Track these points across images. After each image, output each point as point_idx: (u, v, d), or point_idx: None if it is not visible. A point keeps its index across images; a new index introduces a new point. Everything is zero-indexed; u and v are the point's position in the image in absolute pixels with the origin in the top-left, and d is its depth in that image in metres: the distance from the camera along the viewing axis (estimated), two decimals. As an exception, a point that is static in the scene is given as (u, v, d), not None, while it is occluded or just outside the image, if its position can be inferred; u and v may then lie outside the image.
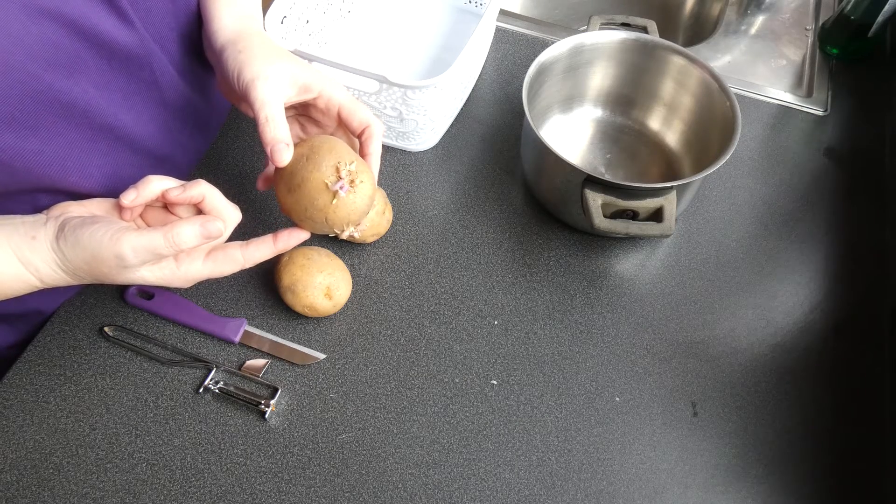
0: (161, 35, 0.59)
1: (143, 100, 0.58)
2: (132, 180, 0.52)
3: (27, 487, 0.57)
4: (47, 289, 0.54)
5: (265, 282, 0.69)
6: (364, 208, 0.55)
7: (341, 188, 0.53)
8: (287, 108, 0.58)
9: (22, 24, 0.45)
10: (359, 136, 0.59)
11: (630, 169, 0.79)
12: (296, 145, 0.55)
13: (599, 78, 0.80)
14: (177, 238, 0.50)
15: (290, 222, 0.58)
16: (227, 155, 0.78)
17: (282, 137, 0.53)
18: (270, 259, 0.70)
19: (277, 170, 0.55)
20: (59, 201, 0.54)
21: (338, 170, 0.54)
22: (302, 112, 0.61)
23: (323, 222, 0.55)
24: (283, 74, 0.55)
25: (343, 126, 0.60)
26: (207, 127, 0.73)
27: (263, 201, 0.74)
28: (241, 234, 0.72)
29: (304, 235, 0.57)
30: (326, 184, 0.53)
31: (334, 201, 0.54)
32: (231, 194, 0.56)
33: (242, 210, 0.56)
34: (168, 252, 0.50)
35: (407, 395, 0.63)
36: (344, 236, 0.57)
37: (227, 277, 0.69)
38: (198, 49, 0.64)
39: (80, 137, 0.53)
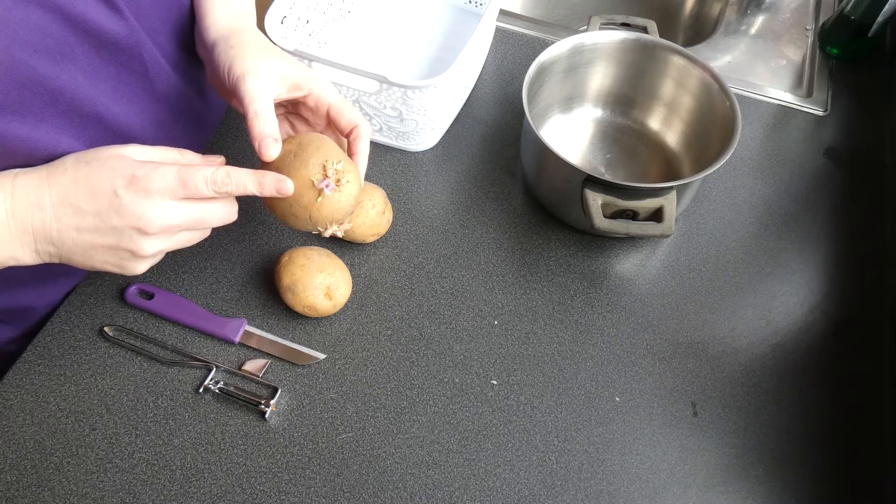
0: (152, 28, 0.58)
1: (133, 91, 0.58)
2: None
3: (27, 487, 0.57)
4: (34, 281, 0.53)
5: (265, 282, 0.69)
6: (348, 208, 0.56)
7: (326, 186, 0.54)
8: (277, 107, 0.58)
9: (6, 9, 0.44)
10: (347, 136, 0.59)
11: (630, 169, 0.79)
12: (284, 142, 0.55)
13: (599, 78, 0.80)
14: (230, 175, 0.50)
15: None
16: (226, 151, 0.78)
17: (270, 133, 0.53)
18: (270, 259, 0.70)
19: (264, 165, 0.55)
20: None
21: (324, 168, 0.54)
22: (292, 111, 0.61)
23: (307, 220, 0.55)
24: (274, 71, 0.55)
25: (332, 126, 0.60)
26: (203, 122, 0.73)
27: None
28: (239, 231, 0.72)
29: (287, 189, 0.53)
30: (312, 181, 0.54)
31: (319, 199, 0.54)
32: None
33: (241, 207, 0.56)
34: (202, 187, 0.49)
35: (407, 395, 0.63)
36: (327, 235, 0.57)
37: (227, 277, 0.69)
38: (190, 44, 0.64)
39: (68, 125, 0.53)
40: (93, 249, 0.50)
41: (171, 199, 0.49)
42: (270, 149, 0.53)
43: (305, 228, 0.57)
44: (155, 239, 0.50)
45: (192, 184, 0.49)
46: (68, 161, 0.50)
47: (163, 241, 0.51)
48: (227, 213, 0.53)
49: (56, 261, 0.51)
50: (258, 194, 0.52)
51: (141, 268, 0.52)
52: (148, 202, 0.48)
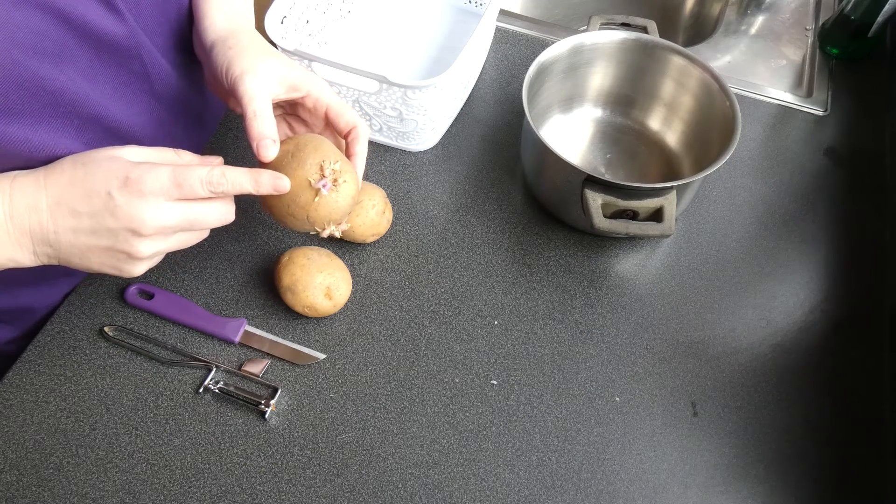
0: (151, 28, 0.58)
1: (132, 91, 0.58)
2: None
3: (27, 487, 0.57)
4: (34, 281, 0.52)
5: (265, 282, 0.69)
6: (346, 208, 0.56)
7: (324, 186, 0.54)
8: (275, 108, 0.58)
9: (6, 11, 0.44)
10: (345, 137, 0.59)
11: (630, 169, 0.79)
12: (282, 142, 0.55)
13: (599, 78, 0.80)
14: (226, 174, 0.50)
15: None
16: (225, 152, 0.78)
17: (268, 133, 0.53)
18: (270, 259, 0.70)
19: (262, 165, 0.55)
20: None
21: (322, 168, 0.54)
22: (290, 112, 0.61)
23: (304, 220, 0.55)
24: (272, 71, 0.55)
25: (330, 127, 0.60)
26: (202, 121, 0.73)
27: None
28: (239, 231, 0.72)
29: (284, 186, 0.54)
30: (310, 181, 0.54)
31: (316, 199, 0.54)
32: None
33: (240, 207, 0.56)
34: (198, 188, 0.49)
35: (407, 395, 0.63)
36: (324, 235, 0.57)
37: (227, 277, 0.69)
38: (189, 44, 0.64)
39: (67, 126, 0.53)
40: (90, 251, 0.50)
41: (166, 200, 0.49)
42: (268, 149, 0.53)
43: (303, 229, 0.57)
44: (150, 240, 0.50)
45: (188, 185, 0.49)
46: (65, 163, 0.50)
47: (159, 242, 0.51)
48: (223, 214, 0.53)
49: (55, 262, 0.51)
50: (255, 193, 0.52)
51: (138, 270, 0.52)
52: (142, 203, 0.48)
